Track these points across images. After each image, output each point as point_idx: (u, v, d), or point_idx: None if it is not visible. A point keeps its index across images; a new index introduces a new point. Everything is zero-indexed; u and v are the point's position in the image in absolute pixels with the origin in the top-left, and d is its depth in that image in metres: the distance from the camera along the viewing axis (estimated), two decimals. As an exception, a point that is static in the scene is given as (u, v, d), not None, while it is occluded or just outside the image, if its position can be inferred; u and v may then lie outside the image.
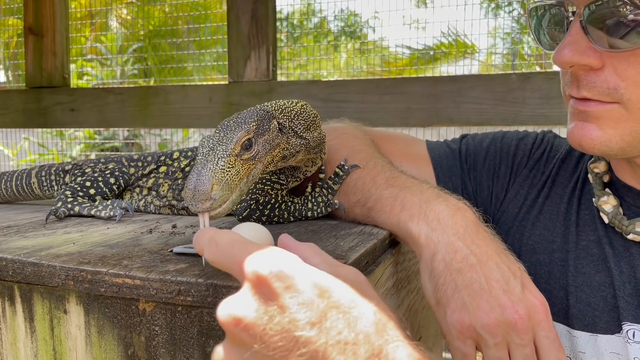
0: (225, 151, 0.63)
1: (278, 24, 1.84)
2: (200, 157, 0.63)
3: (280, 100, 0.75)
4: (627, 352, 0.75)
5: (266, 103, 0.73)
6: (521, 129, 1.47)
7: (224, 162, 0.62)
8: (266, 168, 0.70)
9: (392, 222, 0.75)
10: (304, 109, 0.76)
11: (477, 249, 0.67)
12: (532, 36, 0.78)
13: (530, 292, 0.66)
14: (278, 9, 1.84)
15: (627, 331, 0.75)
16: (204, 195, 0.59)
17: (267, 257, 0.45)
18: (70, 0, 2.49)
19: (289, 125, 0.73)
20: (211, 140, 0.64)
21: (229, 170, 0.62)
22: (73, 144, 5.24)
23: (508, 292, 0.64)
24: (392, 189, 0.78)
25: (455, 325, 0.65)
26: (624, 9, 0.65)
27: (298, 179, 0.87)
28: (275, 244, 0.54)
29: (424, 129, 1.66)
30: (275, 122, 0.70)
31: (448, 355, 2.39)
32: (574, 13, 0.70)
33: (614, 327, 0.77)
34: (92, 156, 5.25)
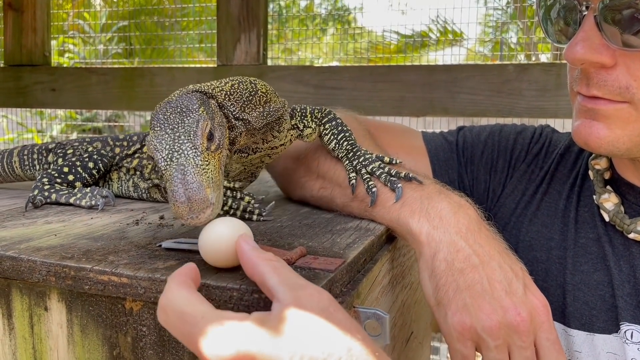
0: (196, 148, 0.56)
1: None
2: (165, 163, 0.55)
3: (207, 82, 0.69)
4: (625, 352, 0.74)
5: (190, 86, 0.66)
6: (517, 121, 1.45)
7: (200, 160, 0.55)
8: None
9: (392, 217, 0.72)
10: (235, 88, 0.69)
11: (479, 249, 0.65)
12: (540, 27, 0.75)
13: (532, 293, 0.64)
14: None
15: (625, 331, 0.74)
16: (203, 203, 0.53)
17: (222, 339, 0.40)
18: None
19: (225, 105, 0.67)
20: (163, 141, 0.56)
21: (208, 168, 0.56)
22: (53, 124, 5.12)
23: (510, 294, 0.62)
24: None
25: (456, 327, 0.63)
26: None
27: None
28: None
29: (417, 119, 1.63)
30: (214, 102, 0.65)
31: (436, 344, 2.40)
32: (587, 7, 0.67)
33: (612, 327, 0.76)
34: (73, 136, 5.14)
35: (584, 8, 0.67)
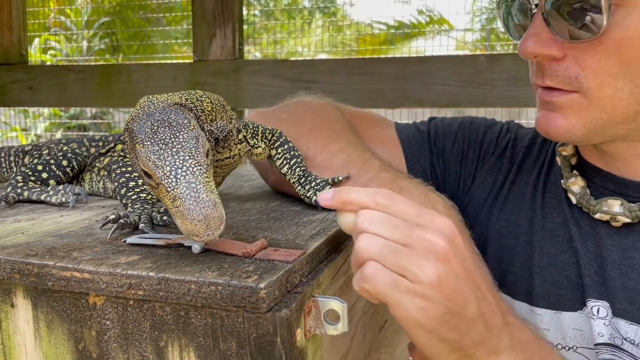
0: (200, 166, 0.54)
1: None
2: (169, 181, 0.53)
3: (162, 95, 0.66)
4: (591, 327, 0.77)
5: (148, 98, 0.64)
6: (489, 110, 1.47)
7: (207, 178, 0.54)
8: None
9: None
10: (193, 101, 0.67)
11: None
12: (501, 25, 0.79)
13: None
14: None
15: (591, 307, 0.77)
16: (219, 220, 0.52)
17: None
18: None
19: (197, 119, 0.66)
20: (161, 157, 0.55)
21: (212, 184, 0.55)
22: (37, 122, 5.09)
23: None
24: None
25: None
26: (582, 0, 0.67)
27: None
28: None
29: (393, 111, 1.64)
30: (191, 113, 0.64)
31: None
32: (536, 5, 0.72)
33: (577, 305, 0.80)
34: (58, 134, 5.11)
35: (533, 6, 0.72)
